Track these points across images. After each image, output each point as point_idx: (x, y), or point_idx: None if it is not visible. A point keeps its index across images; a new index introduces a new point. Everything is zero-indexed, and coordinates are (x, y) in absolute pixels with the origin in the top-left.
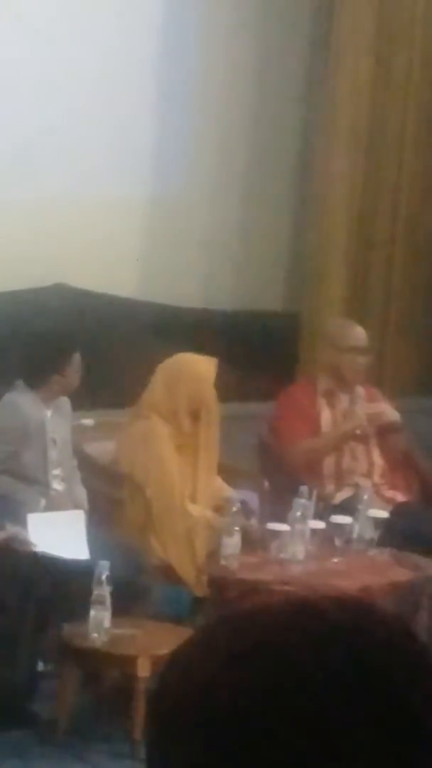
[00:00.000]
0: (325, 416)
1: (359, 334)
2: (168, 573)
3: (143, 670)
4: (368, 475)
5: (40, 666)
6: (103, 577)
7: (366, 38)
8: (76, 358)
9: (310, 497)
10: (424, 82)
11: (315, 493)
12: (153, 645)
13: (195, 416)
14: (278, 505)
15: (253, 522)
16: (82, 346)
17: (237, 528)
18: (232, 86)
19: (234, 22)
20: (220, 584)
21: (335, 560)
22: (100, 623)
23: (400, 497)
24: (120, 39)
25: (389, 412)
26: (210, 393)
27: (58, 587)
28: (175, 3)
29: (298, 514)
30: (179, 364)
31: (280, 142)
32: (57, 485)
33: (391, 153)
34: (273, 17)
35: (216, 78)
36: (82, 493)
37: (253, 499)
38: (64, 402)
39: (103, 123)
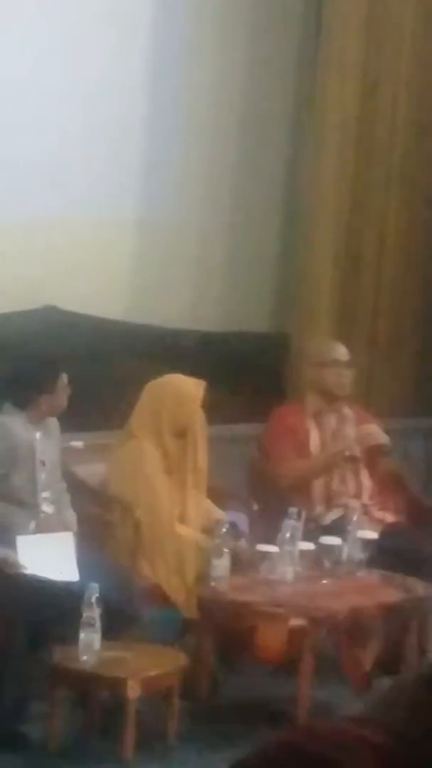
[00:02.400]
0: (314, 437)
1: (339, 348)
2: (158, 595)
3: (133, 691)
4: (357, 496)
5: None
6: (93, 599)
7: (353, 59)
8: (64, 378)
9: (299, 518)
10: (411, 102)
11: (304, 514)
12: (143, 667)
13: (181, 438)
14: (267, 526)
15: (243, 543)
16: (70, 368)
17: (226, 549)
18: (220, 109)
19: (222, 44)
20: (209, 606)
21: (324, 581)
22: (89, 645)
23: (389, 518)
24: (108, 62)
25: (377, 433)
26: (197, 414)
27: (48, 609)
28: (163, 26)
29: (288, 535)
30: (164, 385)
31: (267, 164)
32: (46, 507)
33: (378, 173)
34: (261, 40)
35: (204, 101)
36: (71, 515)
37: (242, 520)
38: (53, 424)
39: (93, 145)
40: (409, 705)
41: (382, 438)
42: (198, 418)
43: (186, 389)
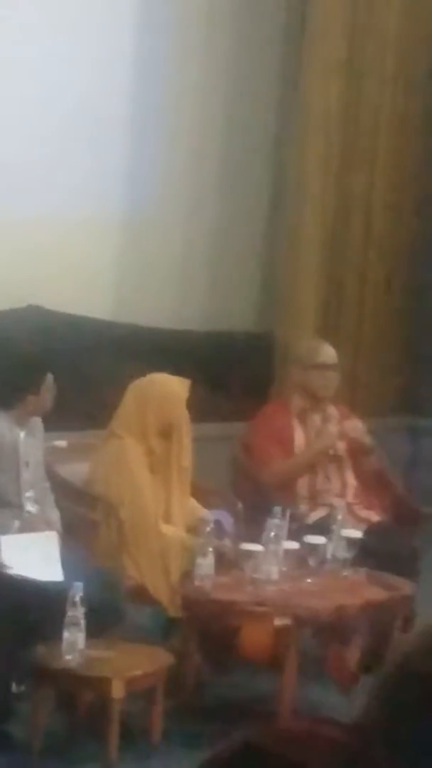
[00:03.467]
0: (299, 436)
1: (327, 351)
2: (142, 594)
3: (117, 691)
4: (342, 495)
5: (14, 688)
6: (77, 598)
7: (337, 59)
8: (50, 378)
9: (283, 517)
10: (396, 103)
11: (288, 513)
12: (127, 666)
13: (166, 437)
14: (252, 525)
15: (227, 542)
16: (55, 367)
17: (211, 548)
18: (204, 110)
19: (207, 48)
20: (194, 605)
21: (309, 580)
22: (74, 645)
23: (373, 517)
24: (93, 63)
25: (361, 430)
26: (182, 413)
27: (32, 609)
28: (149, 28)
29: (272, 534)
30: (149, 384)
31: (251, 164)
32: (30, 507)
33: (362, 175)
34: (245, 45)
35: (188, 102)
36: (55, 514)
37: (226, 519)
38: (37, 423)
39: (77, 146)
40: (379, 705)
41: (365, 437)
42: (183, 417)
43: (171, 388)
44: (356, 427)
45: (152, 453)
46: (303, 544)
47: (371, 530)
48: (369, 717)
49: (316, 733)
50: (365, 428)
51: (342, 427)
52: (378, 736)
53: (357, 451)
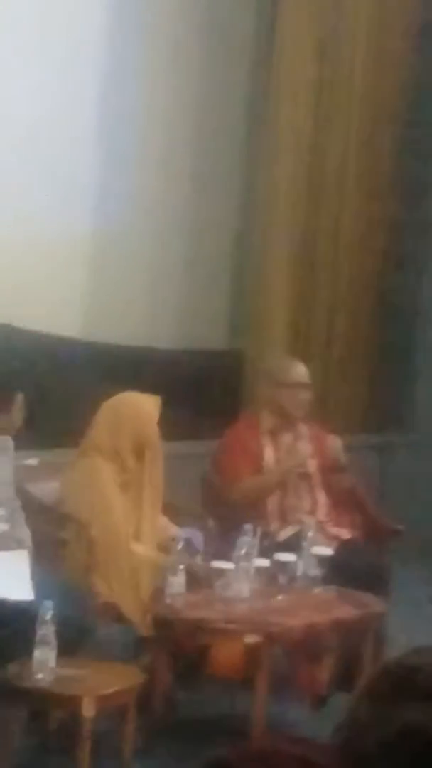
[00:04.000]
0: (268, 454)
1: (300, 370)
2: (113, 612)
3: (89, 710)
4: (312, 512)
5: None
6: (48, 617)
7: (305, 79)
8: (19, 397)
9: (254, 535)
10: (365, 121)
11: (259, 530)
12: (98, 685)
13: (139, 455)
14: (223, 543)
15: (198, 560)
16: (25, 386)
17: (181, 566)
18: (174, 124)
19: (176, 68)
20: (165, 623)
21: (280, 598)
22: (44, 663)
23: (344, 534)
24: (62, 76)
25: (338, 449)
26: (153, 432)
27: (2, 627)
28: (118, 47)
29: (243, 552)
30: (122, 403)
31: (221, 183)
32: (0, 525)
33: (332, 193)
34: (214, 56)
35: (158, 116)
36: (25, 533)
37: (197, 537)
38: (7, 442)
39: (46, 162)
40: (350, 724)
41: (341, 455)
42: (155, 435)
43: (143, 407)
44: (334, 445)
45: (124, 471)
46: (273, 561)
47: (342, 548)
48: (340, 736)
49: (288, 752)
50: (341, 445)
51: (320, 444)
52: (349, 755)
53: (329, 469)
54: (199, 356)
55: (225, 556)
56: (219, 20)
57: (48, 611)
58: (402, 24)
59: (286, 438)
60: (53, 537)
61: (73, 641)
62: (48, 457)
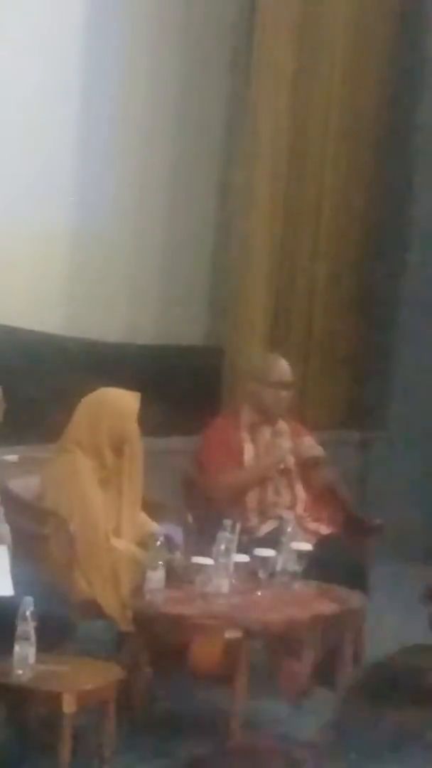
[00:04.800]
0: (248, 450)
1: (283, 368)
2: (93, 608)
3: (69, 706)
4: (292, 508)
5: None
6: (28, 613)
7: (285, 74)
8: None
9: (233, 530)
10: (344, 112)
11: (239, 526)
12: (78, 681)
13: (118, 451)
14: (202, 538)
15: (178, 556)
16: (5, 381)
17: (161, 562)
18: (153, 121)
19: (154, 64)
20: (145, 619)
21: (259, 593)
22: (24, 659)
23: (323, 530)
24: (41, 74)
25: (314, 446)
26: (133, 427)
27: None
28: (96, 44)
29: (222, 547)
30: (101, 398)
31: (201, 179)
32: None
33: (311, 190)
34: (192, 61)
35: (138, 114)
36: (5, 528)
37: (177, 533)
38: None
39: (25, 160)
40: (338, 724)
41: (317, 450)
42: (134, 431)
43: (123, 403)
44: (309, 443)
45: (103, 467)
46: (253, 557)
47: (321, 543)
48: (328, 736)
49: (272, 749)
50: (315, 442)
51: (297, 442)
52: (330, 753)
53: (309, 464)
54: (179, 352)
55: (204, 552)
56: (198, 14)
57: (28, 607)
58: (381, 10)
59: (266, 434)
60: (33, 533)
61: (53, 637)
62: (27, 452)
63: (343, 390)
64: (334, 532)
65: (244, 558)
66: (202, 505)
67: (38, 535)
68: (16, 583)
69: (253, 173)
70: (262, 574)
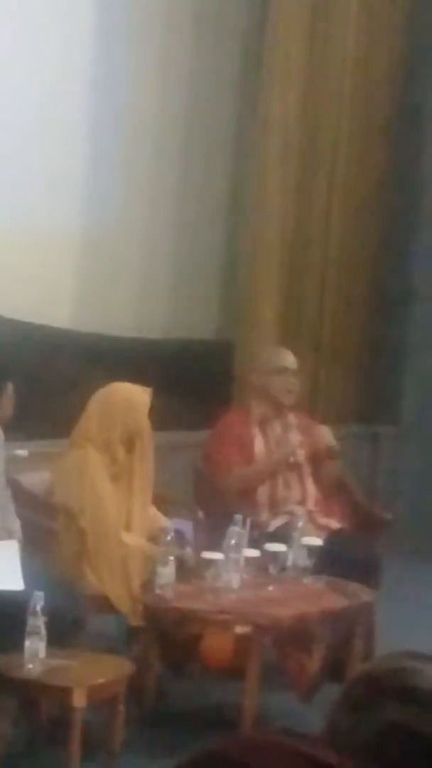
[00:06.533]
0: (259, 444)
1: (287, 356)
2: (103, 603)
3: (79, 700)
4: (302, 502)
5: None
6: (38, 607)
7: (295, 72)
8: (9, 387)
9: (244, 525)
10: (354, 112)
11: (249, 521)
12: (89, 675)
13: (129, 446)
14: (213, 533)
15: (188, 551)
16: (16, 377)
17: (171, 557)
18: (163, 123)
19: (165, 63)
20: (155, 613)
21: (270, 588)
22: (35, 654)
23: (334, 524)
24: (52, 78)
25: (325, 435)
26: (144, 422)
27: None
28: (107, 45)
29: (233, 542)
30: (113, 393)
31: (212, 174)
32: None
33: (321, 183)
34: (203, 60)
35: (148, 115)
36: (16, 523)
37: (187, 527)
38: None
39: (38, 159)
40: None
41: (332, 439)
42: (146, 426)
43: (135, 397)
44: (323, 433)
45: (114, 462)
46: (263, 552)
47: (332, 538)
48: (334, 728)
49: (281, 744)
50: (330, 432)
51: (308, 435)
52: (343, 748)
53: (321, 457)
54: (190, 346)
55: (215, 547)
56: (209, 15)
57: (38, 602)
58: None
59: (276, 428)
60: (44, 527)
61: (64, 632)
62: (38, 447)
63: (354, 384)
64: (345, 527)
65: (254, 553)
66: (212, 499)
67: (49, 530)
68: (27, 577)
69: (265, 169)
70: (272, 569)
